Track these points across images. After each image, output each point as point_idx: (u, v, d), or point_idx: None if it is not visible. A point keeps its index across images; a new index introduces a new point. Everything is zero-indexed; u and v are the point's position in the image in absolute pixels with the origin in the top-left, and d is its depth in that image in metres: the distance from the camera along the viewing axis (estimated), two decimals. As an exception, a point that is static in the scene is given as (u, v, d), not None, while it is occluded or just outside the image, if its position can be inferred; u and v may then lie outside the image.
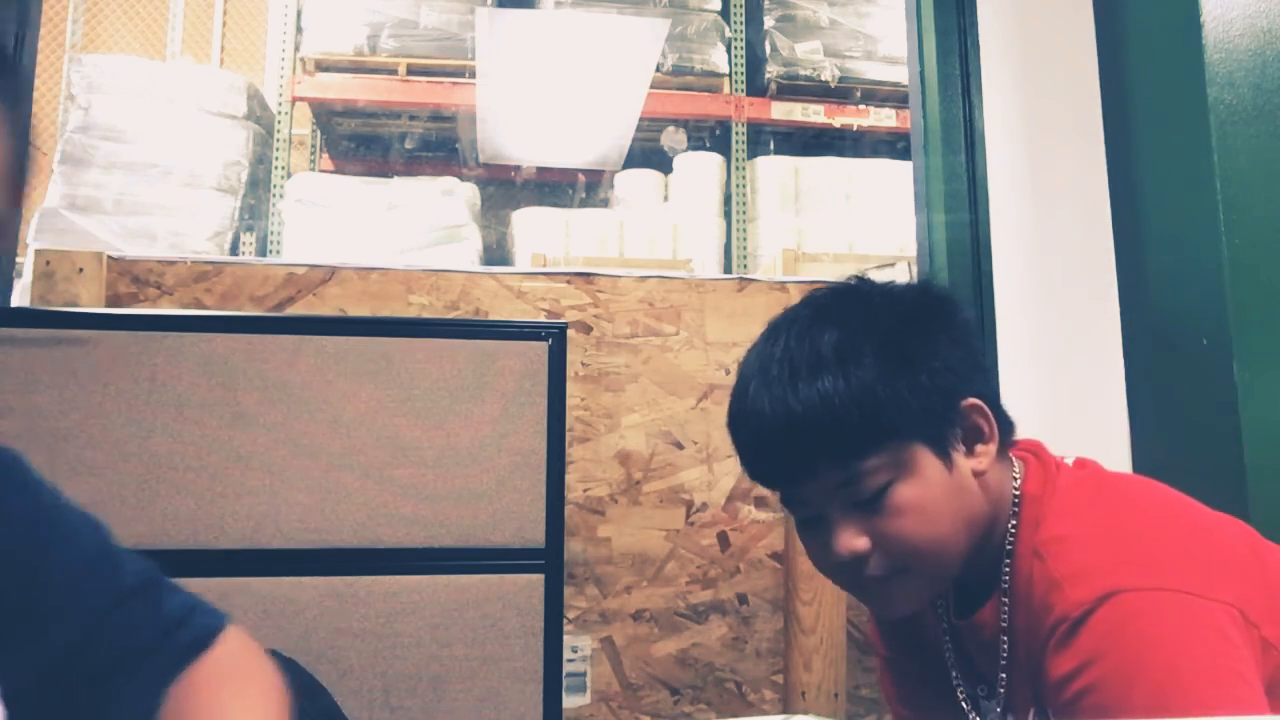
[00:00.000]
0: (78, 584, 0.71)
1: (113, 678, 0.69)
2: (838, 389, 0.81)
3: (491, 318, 1.75)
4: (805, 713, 1.72)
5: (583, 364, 1.79)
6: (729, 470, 1.83)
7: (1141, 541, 0.78)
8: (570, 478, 1.75)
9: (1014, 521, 0.87)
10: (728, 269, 3.99)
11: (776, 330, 0.90)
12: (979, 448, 0.86)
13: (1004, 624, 0.86)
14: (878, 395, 0.81)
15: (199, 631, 0.74)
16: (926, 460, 0.83)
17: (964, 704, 0.95)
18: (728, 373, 1.84)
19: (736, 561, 1.81)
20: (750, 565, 1.82)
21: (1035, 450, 0.91)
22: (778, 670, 1.80)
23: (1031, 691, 0.84)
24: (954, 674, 0.95)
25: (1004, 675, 0.87)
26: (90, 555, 0.73)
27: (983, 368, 0.90)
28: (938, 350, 0.85)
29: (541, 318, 1.77)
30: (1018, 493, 0.87)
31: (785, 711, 1.77)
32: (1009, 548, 0.86)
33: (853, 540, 0.82)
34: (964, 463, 0.85)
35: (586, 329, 1.80)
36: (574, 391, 1.76)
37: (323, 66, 4.05)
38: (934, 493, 0.82)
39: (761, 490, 1.83)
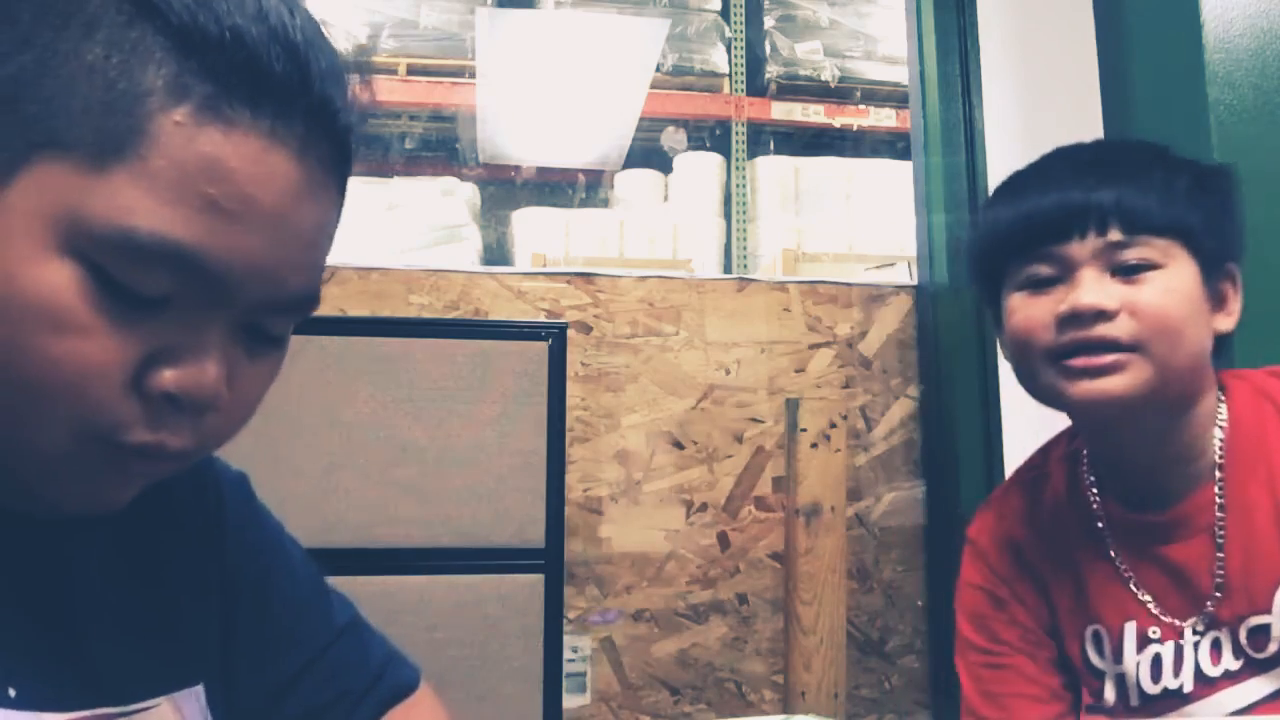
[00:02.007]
0: (299, 617, 0.70)
1: (325, 715, 0.70)
2: (1165, 178, 0.85)
3: (491, 318, 1.75)
4: (805, 713, 1.72)
5: (583, 364, 1.79)
6: (729, 470, 1.83)
7: None
8: (570, 478, 1.75)
9: (1222, 400, 0.88)
10: (728, 269, 3.99)
11: (1063, 147, 0.93)
12: (1218, 313, 0.87)
13: (1219, 508, 0.85)
14: (1191, 203, 0.84)
15: (402, 681, 0.75)
16: (1192, 276, 0.84)
17: (1090, 638, 0.91)
18: (728, 373, 1.84)
19: (736, 561, 1.81)
20: (750, 565, 1.82)
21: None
22: (778, 670, 1.80)
23: (1234, 600, 0.83)
24: (1133, 587, 0.89)
25: (1220, 575, 0.85)
26: (308, 588, 0.73)
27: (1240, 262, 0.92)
28: (1230, 205, 0.89)
29: (541, 318, 1.78)
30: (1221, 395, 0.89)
31: (785, 711, 1.77)
32: (1221, 423, 0.87)
33: (1104, 296, 0.81)
34: (1213, 312, 0.87)
35: (586, 329, 1.80)
36: (574, 391, 1.76)
37: (323, 66, 4.05)
38: (1189, 300, 0.83)
39: (762, 490, 1.83)
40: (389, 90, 4.05)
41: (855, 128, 4.27)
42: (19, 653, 0.51)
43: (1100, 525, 0.92)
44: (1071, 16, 1.45)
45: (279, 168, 0.48)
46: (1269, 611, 0.82)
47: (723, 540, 1.81)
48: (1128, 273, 0.82)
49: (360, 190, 3.88)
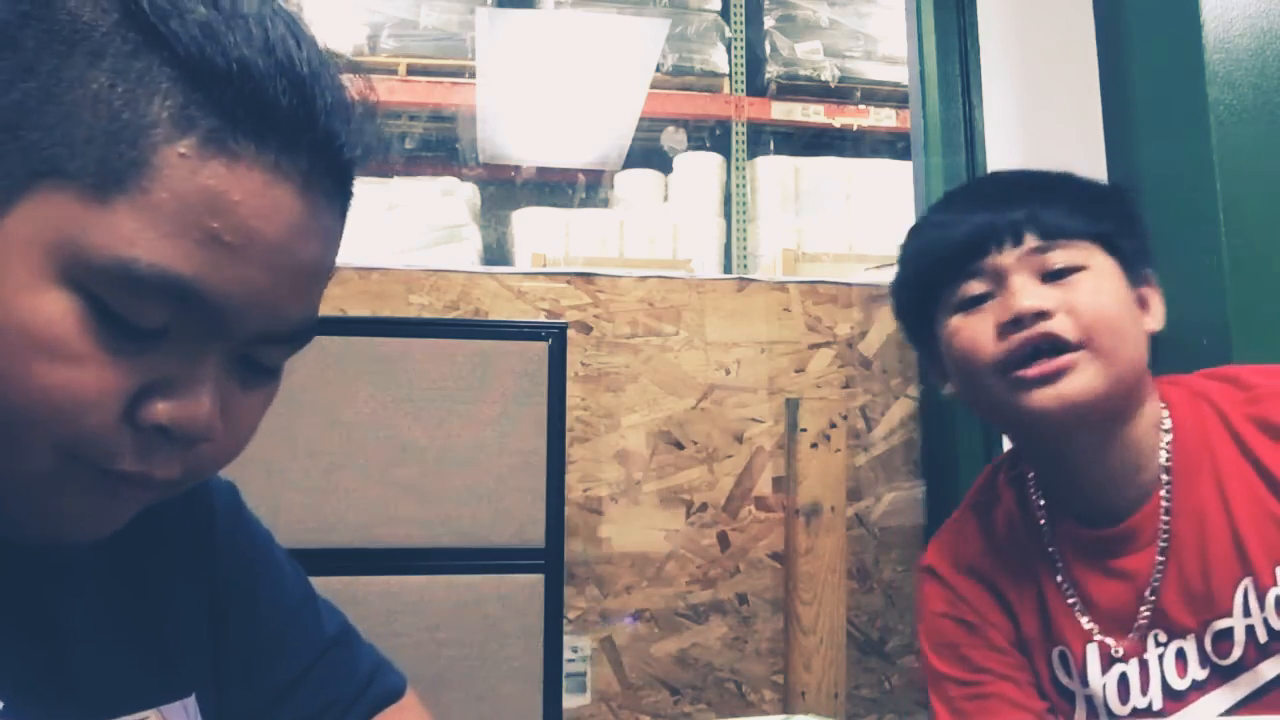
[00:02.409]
0: (289, 628, 0.71)
1: None
2: (1078, 189, 0.90)
3: (491, 318, 1.75)
4: (805, 713, 1.72)
5: (583, 364, 1.79)
6: (729, 470, 1.83)
7: None
8: (570, 478, 1.75)
9: (1164, 410, 0.89)
10: (728, 269, 3.99)
11: (971, 182, 1.01)
12: (1146, 317, 0.89)
13: (1165, 513, 0.85)
14: (1105, 213, 0.88)
15: (388, 687, 0.76)
16: (1118, 276, 0.87)
17: (1057, 659, 0.90)
18: (728, 373, 1.84)
19: (736, 561, 1.81)
20: (750, 565, 1.82)
21: None
22: (778, 670, 1.80)
23: (1196, 606, 0.83)
24: (1078, 613, 0.89)
25: (1157, 581, 0.85)
26: (298, 598, 0.73)
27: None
28: (1137, 218, 0.93)
29: (541, 318, 1.78)
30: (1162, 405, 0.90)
31: (785, 711, 1.77)
32: (1165, 429, 0.88)
33: (1040, 297, 0.83)
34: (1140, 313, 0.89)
35: (586, 329, 1.80)
36: (574, 391, 1.76)
37: (323, 66, 4.04)
38: (1119, 298, 0.86)
39: (762, 490, 1.83)
40: (389, 90, 4.05)
41: (855, 128, 4.27)
42: (6, 665, 0.51)
43: (1051, 549, 0.91)
44: (1071, 16, 1.45)
45: (282, 201, 0.47)
46: (1230, 614, 0.82)
47: (723, 540, 1.81)
48: (1056, 277, 0.84)
49: (360, 190, 3.87)
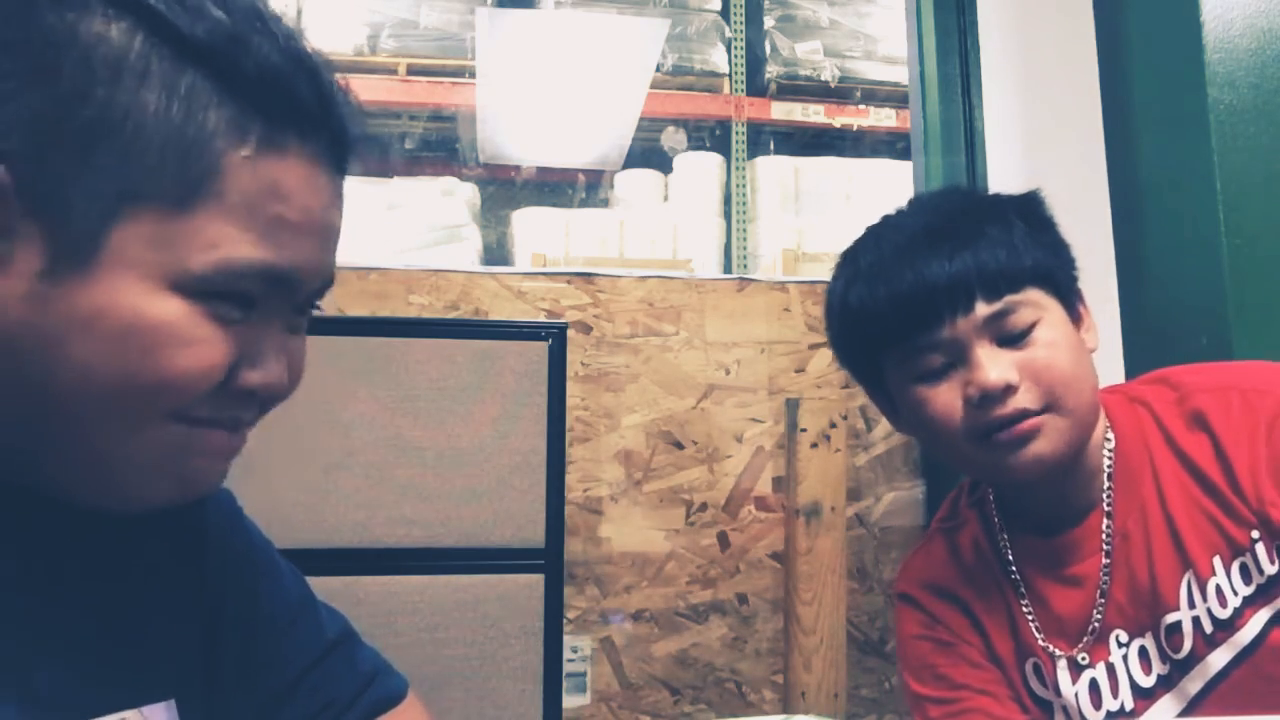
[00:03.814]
0: (288, 632, 0.72)
1: None
2: (1000, 231, 0.86)
3: (491, 318, 1.75)
4: (805, 713, 1.72)
5: (583, 364, 1.79)
6: (729, 470, 1.83)
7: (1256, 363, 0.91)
8: (570, 478, 1.75)
9: (1106, 420, 0.91)
10: (728, 269, 3.99)
11: (889, 219, 0.94)
12: (1081, 332, 0.90)
13: (1107, 518, 0.88)
14: (1034, 243, 0.87)
15: (388, 690, 0.77)
16: (1062, 314, 0.88)
17: (1031, 671, 0.92)
18: (728, 373, 1.84)
19: (736, 561, 1.81)
20: (750, 565, 1.82)
21: None
22: (778, 670, 1.80)
23: (1146, 603, 0.85)
24: (1038, 632, 0.92)
25: (1104, 577, 0.88)
26: (296, 604, 0.74)
27: None
28: (1057, 233, 0.92)
29: (541, 318, 1.78)
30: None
31: (785, 711, 1.77)
32: (1108, 438, 0.90)
33: (1005, 370, 0.83)
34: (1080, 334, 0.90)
35: (586, 329, 1.80)
36: (574, 391, 1.76)
37: (323, 66, 4.04)
38: (1071, 341, 0.87)
39: (762, 490, 1.83)
40: (389, 90, 4.05)
41: (855, 128, 4.27)
42: None
43: (1014, 569, 0.94)
44: (1071, 16, 1.45)
45: (320, 181, 0.55)
46: (1178, 608, 0.84)
47: (723, 540, 1.81)
48: (1015, 340, 0.85)
49: (360, 190, 3.88)
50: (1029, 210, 0.91)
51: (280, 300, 0.55)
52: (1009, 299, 0.84)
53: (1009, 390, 0.83)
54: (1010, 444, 0.84)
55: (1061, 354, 0.85)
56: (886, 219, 0.95)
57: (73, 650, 0.57)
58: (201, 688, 0.64)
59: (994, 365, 0.83)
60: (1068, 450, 0.85)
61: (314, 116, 0.54)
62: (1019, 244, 0.86)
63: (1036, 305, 0.85)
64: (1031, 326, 0.85)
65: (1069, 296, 0.90)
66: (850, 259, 0.94)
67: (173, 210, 0.49)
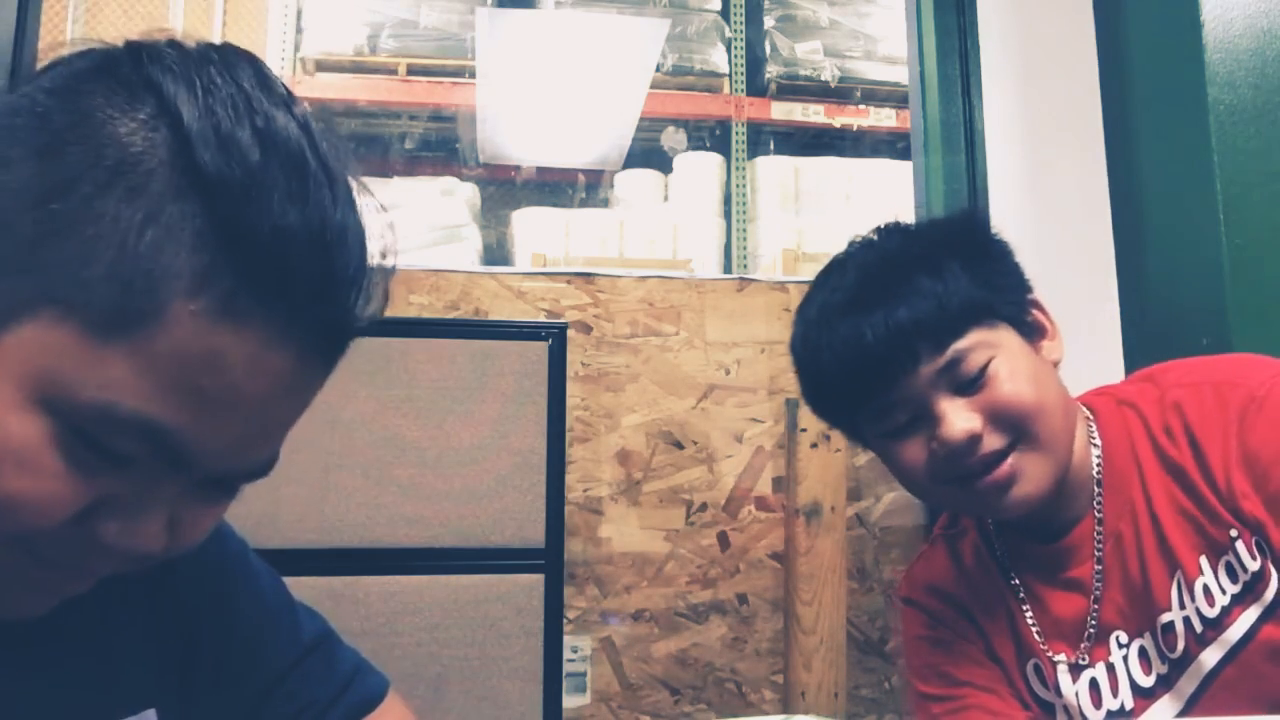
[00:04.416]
0: (266, 636, 0.71)
1: None
2: (930, 281, 0.84)
3: (491, 318, 1.75)
4: (805, 713, 1.72)
5: (583, 364, 1.79)
6: (729, 470, 1.83)
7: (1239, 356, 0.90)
8: (570, 478, 1.75)
9: (1091, 420, 0.90)
10: (728, 269, 3.99)
11: (831, 270, 0.92)
12: (1044, 343, 0.90)
13: (1098, 523, 0.87)
14: (970, 279, 0.85)
15: (368, 691, 0.75)
16: (1015, 341, 0.86)
17: (1032, 672, 0.92)
18: (728, 373, 1.84)
19: (736, 561, 1.81)
20: (750, 565, 1.82)
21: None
22: (778, 670, 1.80)
23: (1141, 604, 0.85)
24: (1038, 637, 0.92)
25: (1098, 581, 0.87)
26: (274, 607, 0.73)
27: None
28: (998, 252, 0.91)
29: (541, 318, 1.77)
30: (1087, 410, 0.92)
31: (785, 711, 1.77)
32: (1095, 444, 0.89)
33: (967, 420, 0.82)
34: (1041, 351, 0.89)
35: (586, 329, 1.80)
36: (574, 391, 1.76)
37: (323, 67, 4.04)
38: (1029, 366, 0.85)
39: (762, 490, 1.83)
40: (389, 90, 4.05)
41: (855, 128, 4.26)
42: None
43: (1013, 576, 0.94)
44: (1071, 16, 1.45)
45: (277, 365, 0.47)
46: (1170, 609, 0.84)
47: (723, 540, 1.81)
48: (971, 384, 0.84)
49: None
50: (964, 242, 0.89)
51: (171, 468, 0.48)
52: (955, 348, 0.83)
53: (974, 440, 0.82)
54: (991, 491, 0.84)
55: (1022, 386, 0.83)
56: (829, 267, 0.94)
57: (50, 665, 0.56)
58: (180, 695, 0.64)
59: (956, 417, 0.82)
60: (1050, 482, 0.85)
61: (302, 295, 0.46)
62: (954, 288, 0.84)
63: (986, 344, 0.84)
64: (985, 365, 0.83)
65: (1019, 318, 0.88)
66: (800, 314, 0.93)
67: (91, 335, 0.43)
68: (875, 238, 0.94)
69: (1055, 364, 0.89)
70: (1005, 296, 0.88)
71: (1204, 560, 0.82)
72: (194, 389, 0.45)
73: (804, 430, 1.80)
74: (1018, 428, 0.83)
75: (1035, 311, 0.91)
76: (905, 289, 0.84)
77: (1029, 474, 0.84)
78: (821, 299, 0.90)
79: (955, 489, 0.85)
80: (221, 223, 0.44)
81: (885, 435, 0.88)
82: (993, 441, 0.83)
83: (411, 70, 4.02)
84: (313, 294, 0.47)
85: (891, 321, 0.83)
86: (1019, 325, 0.88)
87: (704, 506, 1.81)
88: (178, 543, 0.51)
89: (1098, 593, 0.88)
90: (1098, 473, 0.89)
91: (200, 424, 0.46)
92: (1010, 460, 0.83)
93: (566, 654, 1.69)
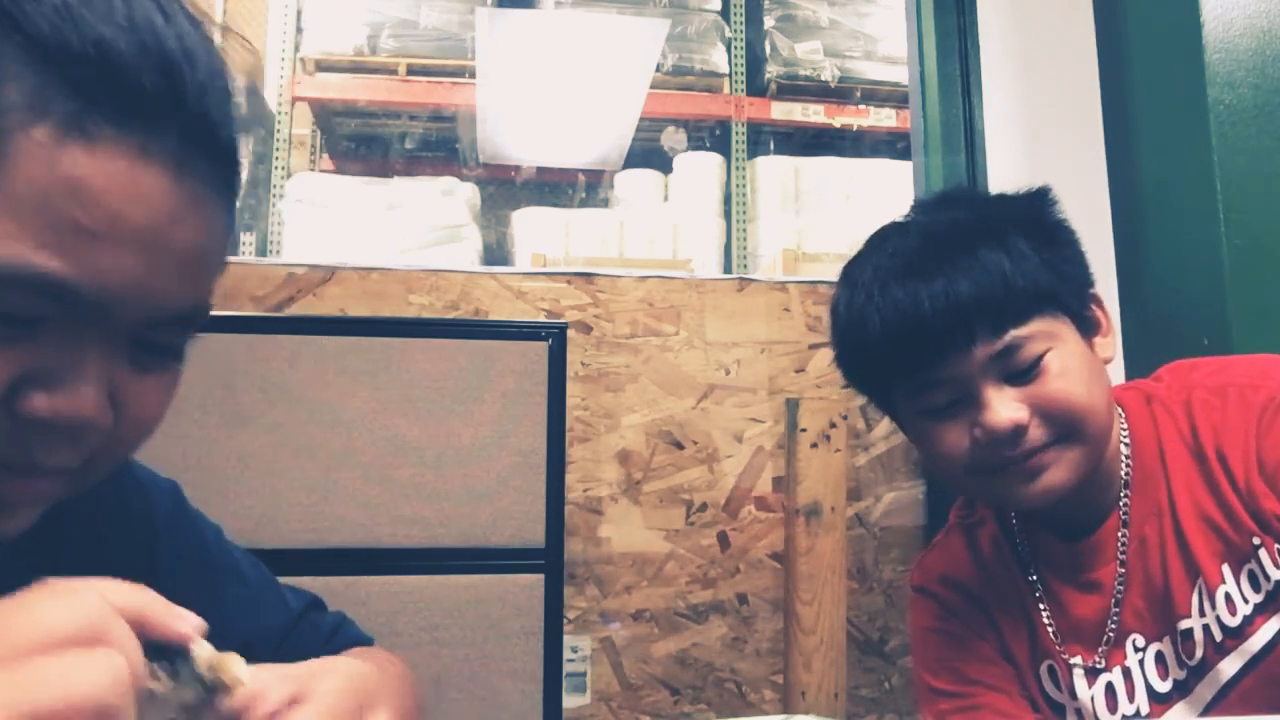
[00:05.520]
0: (254, 615, 0.71)
1: None
2: (998, 257, 0.80)
3: (491, 318, 1.75)
4: (805, 713, 1.72)
5: (583, 364, 1.79)
6: (729, 470, 1.83)
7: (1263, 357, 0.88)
8: (570, 478, 1.75)
9: (1123, 422, 0.88)
10: (728, 269, 3.99)
11: (888, 234, 0.88)
12: (1097, 340, 0.87)
13: (1123, 525, 0.86)
14: (1036, 263, 0.81)
15: (351, 639, 0.75)
16: (1072, 335, 0.83)
17: (1046, 673, 0.91)
18: (728, 373, 1.84)
19: (736, 561, 1.81)
20: (750, 565, 1.82)
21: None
22: (778, 670, 1.80)
23: (1161, 609, 0.84)
24: (1055, 637, 0.90)
25: (1119, 584, 0.86)
26: (257, 588, 0.73)
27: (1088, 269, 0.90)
28: (1065, 237, 0.87)
29: (541, 318, 1.77)
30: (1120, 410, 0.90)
31: (785, 711, 1.77)
32: (1125, 443, 0.87)
33: (1014, 410, 0.79)
34: (1094, 348, 0.86)
35: (586, 329, 1.80)
36: (574, 391, 1.76)
37: (323, 66, 4.04)
38: (1083, 364, 0.82)
39: (762, 490, 1.83)
40: (389, 90, 4.05)
41: (855, 128, 4.27)
42: None
43: (1032, 572, 0.92)
44: (1071, 16, 1.45)
45: (150, 186, 0.45)
46: (1190, 615, 0.83)
47: (723, 540, 1.81)
48: (1023, 374, 0.80)
49: (360, 190, 3.88)
50: (1033, 219, 0.85)
51: (83, 322, 0.45)
52: (1013, 334, 0.79)
53: (1018, 430, 0.79)
54: (1021, 475, 0.81)
55: (1075, 384, 0.80)
56: (886, 230, 0.89)
57: None
58: None
59: (1002, 406, 0.79)
60: (1080, 478, 0.82)
61: (151, 107, 0.44)
62: (1021, 269, 0.80)
63: (1045, 335, 0.81)
64: (1041, 356, 0.80)
65: (1080, 311, 0.85)
66: (848, 275, 0.88)
67: None
68: (939, 203, 0.90)
69: (1106, 361, 0.87)
70: (1070, 287, 0.84)
71: (1226, 568, 0.81)
72: (68, 224, 0.43)
73: (804, 430, 1.80)
74: (1064, 426, 0.80)
75: (1096, 306, 0.88)
76: (971, 262, 0.80)
77: (1064, 464, 0.81)
78: (877, 261, 0.85)
79: (982, 477, 0.83)
80: (39, 47, 0.43)
81: (922, 413, 0.84)
82: (1037, 435, 0.80)
83: (411, 70, 4.02)
84: (164, 106, 0.45)
85: (952, 293, 0.78)
86: (1078, 319, 0.84)
87: (704, 506, 1.81)
88: (129, 419, 0.49)
89: (1119, 595, 0.86)
90: (1126, 473, 0.87)
91: (88, 262, 0.44)
92: (1048, 453, 0.81)
93: (566, 654, 1.69)
